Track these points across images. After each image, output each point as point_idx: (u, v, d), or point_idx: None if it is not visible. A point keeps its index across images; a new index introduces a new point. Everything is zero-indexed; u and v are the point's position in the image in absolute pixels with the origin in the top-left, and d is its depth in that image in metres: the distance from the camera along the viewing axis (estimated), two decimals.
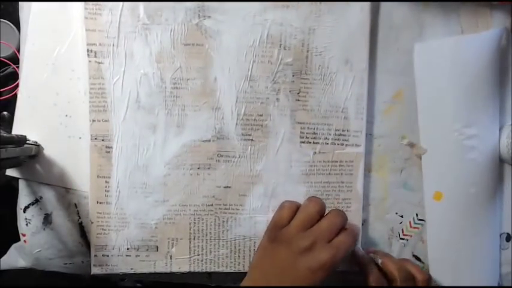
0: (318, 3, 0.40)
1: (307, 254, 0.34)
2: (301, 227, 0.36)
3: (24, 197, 0.42)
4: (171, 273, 0.42)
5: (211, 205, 0.41)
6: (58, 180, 0.41)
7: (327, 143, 0.41)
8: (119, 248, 0.41)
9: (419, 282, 0.39)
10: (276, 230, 0.38)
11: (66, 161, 0.41)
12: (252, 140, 0.41)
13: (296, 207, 0.38)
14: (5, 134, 0.37)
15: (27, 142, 0.39)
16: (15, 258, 0.43)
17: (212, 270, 0.42)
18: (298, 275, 0.34)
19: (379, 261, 0.40)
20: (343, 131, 0.41)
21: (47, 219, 0.42)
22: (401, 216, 0.43)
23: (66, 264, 0.43)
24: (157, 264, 0.42)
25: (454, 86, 0.41)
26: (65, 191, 0.42)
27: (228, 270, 0.42)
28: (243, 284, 0.37)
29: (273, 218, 0.39)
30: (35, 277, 0.49)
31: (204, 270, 0.42)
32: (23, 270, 0.43)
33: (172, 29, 0.39)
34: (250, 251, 0.42)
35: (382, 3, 0.41)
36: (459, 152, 0.41)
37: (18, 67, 0.42)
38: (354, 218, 0.42)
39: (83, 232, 0.42)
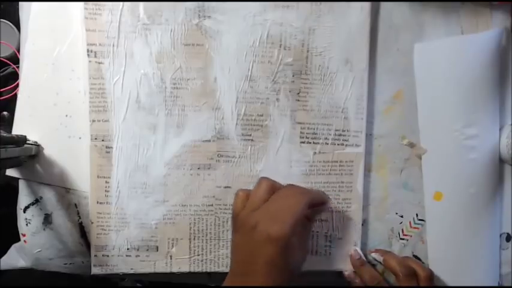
0: (318, 3, 0.40)
1: (255, 230, 0.33)
2: (250, 209, 0.35)
3: (24, 197, 0.42)
4: (171, 273, 0.42)
5: (212, 205, 0.41)
6: (58, 180, 0.41)
7: (327, 143, 0.41)
8: (119, 248, 0.41)
9: (422, 279, 0.39)
10: (235, 219, 0.37)
11: (66, 161, 0.41)
12: (252, 140, 0.41)
13: (248, 194, 0.37)
14: (5, 134, 0.36)
15: (27, 142, 0.39)
16: (15, 258, 0.43)
17: (212, 270, 0.42)
18: (255, 252, 0.33)
19: (381, 258, 0.40)
20: (343, 131, 0.41)
21: (47, 219, 0.42)
22: (401, 216, 0.43)
23: (66, 264, 0.43)
24: (157, 264, 0.42)
25: (454, 86, 0.41)
26: (65, 191, 0.42)
27: (228, 270, 0.42)
28: (227, 279, 0.36)
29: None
30: (35, 277, 0.49)
31: (204, 270, 0.42)
32: (23, 270, 0.43)
33: (172, 29, 0.39)
34: None
35: (382, 3, 0.41)
36: (459, 152, 0.41)
37: (18, 67, 0.42)
38: (354, 218, 0.42)
39: (83, 232, 0.42)
